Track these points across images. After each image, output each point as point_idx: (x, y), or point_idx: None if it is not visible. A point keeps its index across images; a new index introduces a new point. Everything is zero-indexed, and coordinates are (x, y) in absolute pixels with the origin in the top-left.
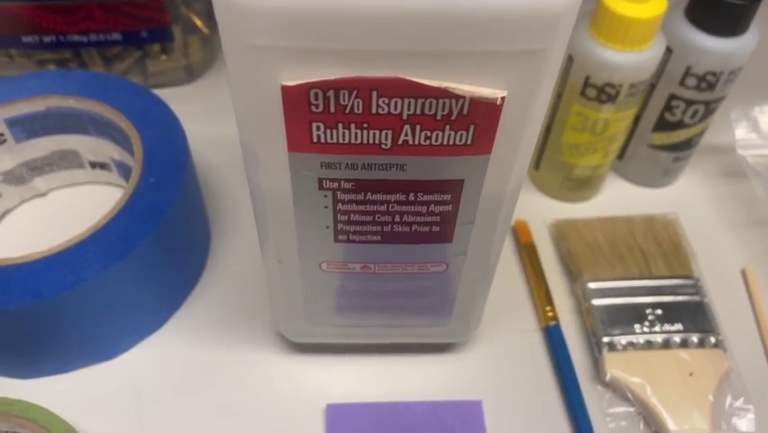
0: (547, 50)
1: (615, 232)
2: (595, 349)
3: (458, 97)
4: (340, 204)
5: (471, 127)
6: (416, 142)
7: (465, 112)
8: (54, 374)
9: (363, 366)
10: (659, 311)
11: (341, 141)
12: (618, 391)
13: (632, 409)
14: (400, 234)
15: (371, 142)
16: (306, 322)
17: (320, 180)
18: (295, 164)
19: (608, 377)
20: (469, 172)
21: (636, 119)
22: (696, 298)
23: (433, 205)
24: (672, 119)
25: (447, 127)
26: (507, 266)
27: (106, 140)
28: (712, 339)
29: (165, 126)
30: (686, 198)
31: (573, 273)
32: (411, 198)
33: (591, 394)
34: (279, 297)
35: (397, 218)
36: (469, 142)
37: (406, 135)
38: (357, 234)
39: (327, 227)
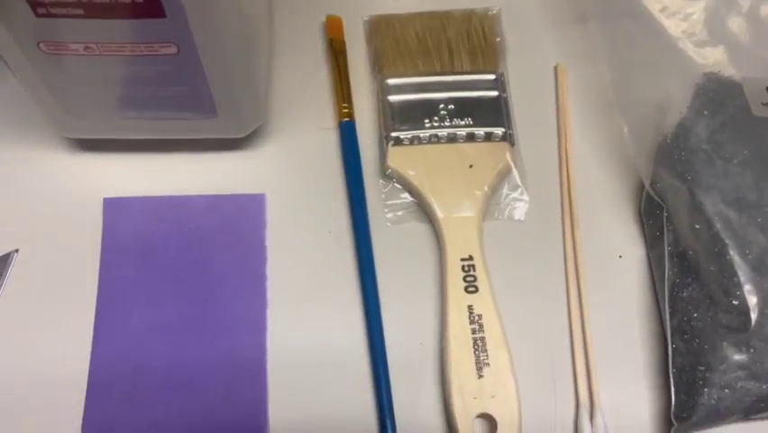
0: None
1: (428, 27)
2: (384, 144)
3: None
4: None
5: None
6: None
7: None
8: None
9: (149, 163)
10: (452, 106)
11: None
12: (399, 183)
13: (409, 201)
14: (102, 5)
15: None
16: (66, 114)
17: None
18: None
19: (389, 170)
20: None
21: None
22: (492, 93)
23: None
24: None
25: None
26: (314, 63)
27: None
28: (499, 132)
29: None
30: None
31: (377, 70)
32: None
33: (374, 188)
34: (27, 85)
35: None
36: None
37: None
38: (55, 7)
39: None
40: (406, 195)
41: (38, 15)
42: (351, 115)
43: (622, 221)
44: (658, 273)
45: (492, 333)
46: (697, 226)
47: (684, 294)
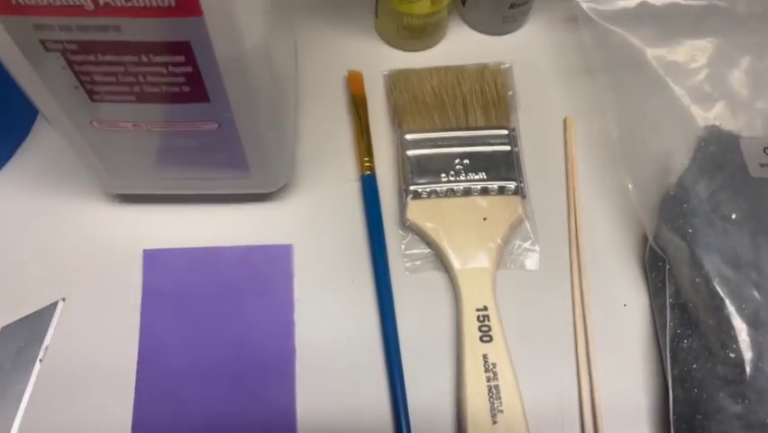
0: None
1: (444, 82)
2: (403, 197)
3: None
4: (75, 65)
5: None
6: (119, 5)
7: None
8: None
9: (184, 215)
10: (467, 161)
11: (40, 2)
12: (418, 235)
13: (427, 251)
14: (152, 94)
15: (72, 3)
16: (110, 175)
17: (42, 42)
18: (9, 27)
19: (408, 222)
20: (190, 34)
21: None
22: (505, 148)
23: (170, 66)
24: None
25: None
26: (335, 116)
27: None
28: (512, 186)
29: None
30: (526, 46)
31: (396, 124)
32: (144, 59)
33: (395, 238)
34: (76, 152)
35: (142, 79)
36: (172, 4)
37: None
38: (110, 95)
39: (77, 87)
40: (424, 246)
41: (93, 100)
42: (372, 168)
43: (627, 271)
44: (660, 323)
45: (506, 381)
46: (697, 280)
47: (684, 345)
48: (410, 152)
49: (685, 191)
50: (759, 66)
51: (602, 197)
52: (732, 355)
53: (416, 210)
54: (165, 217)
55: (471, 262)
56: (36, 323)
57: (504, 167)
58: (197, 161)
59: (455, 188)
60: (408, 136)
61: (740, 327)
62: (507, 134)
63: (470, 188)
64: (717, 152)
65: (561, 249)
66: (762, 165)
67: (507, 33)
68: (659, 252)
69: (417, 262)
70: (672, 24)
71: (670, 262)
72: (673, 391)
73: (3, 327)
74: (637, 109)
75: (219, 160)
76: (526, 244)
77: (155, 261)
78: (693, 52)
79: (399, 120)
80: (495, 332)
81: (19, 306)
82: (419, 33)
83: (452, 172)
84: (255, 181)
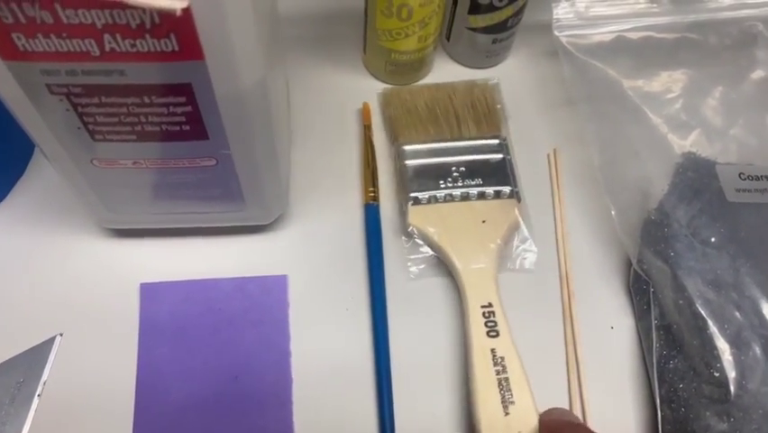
0: None
1: (436, 98)
2: (403, 204)
3: (137, 9)
4: (79, 107)
5: (172, 35)
6: (124, 50)
7: (157, 21)
8: None
9: (180, 248)
10: (463, 169)
11: (48, 49)
12: (420, 239)
13: (430, 254)
14: (153, 132)
15: (79, 50)
16: (108, 211)
17: (48, 86)
18: (16, 72)
19: (410, 228)
20: (192, 76)
21: (455, 1)
22: (499, 156)
23: (171, 106)
24: (483, 2)
25: (148, 36)
26: (329, 150)
27: None
28: (507, 191)
29: None
30: (509, 78)
31: (392, 137)
32: (146, 100)
33: (396, 245)
34: (75, 189)
35: (143, 119)
36: (176, 48)
37: (111, 43)
38: (112, 134)
39: (79, 128)
40: (426, 249)
41: (95, 140)
42: (376, 198)
43: (613, 294)
44: (646, 345)
45: (515, 373)
46: (680, 302)
47: (671, 365)
48: (408, 162)
49: (665, 216)
50: (731, 95)
51: (587, 222)
52: (716, 375)
53: (416, 215)
54: (161, 251)
55: (474, 262)
56: (34, 358)
57: (499, 173)
58: (195, 196)
59: (453, 193)
60: (406, 147)
61: (723, 348)
62: (499, 143)
63: (467, 192)
64: (695, 177)
65: (553, 254)
66: (738, 190)
67: (490, 67)
68: (643, 275)
69: (421, 267)
70: (647, 57)
71: (654, 285)
72: (661, 410)
73: (1, 363)
74: (617, 138)
75: (216, 194)
76: (524, 246)
77: (152, 294)
78: (668, 83)
79: (396, 133)
80: (501, 327)
81: (17, 341)
82: (406, 68)
83: (449, 179)
84: (251, 214)
